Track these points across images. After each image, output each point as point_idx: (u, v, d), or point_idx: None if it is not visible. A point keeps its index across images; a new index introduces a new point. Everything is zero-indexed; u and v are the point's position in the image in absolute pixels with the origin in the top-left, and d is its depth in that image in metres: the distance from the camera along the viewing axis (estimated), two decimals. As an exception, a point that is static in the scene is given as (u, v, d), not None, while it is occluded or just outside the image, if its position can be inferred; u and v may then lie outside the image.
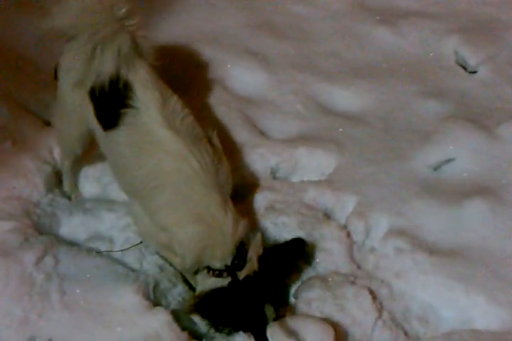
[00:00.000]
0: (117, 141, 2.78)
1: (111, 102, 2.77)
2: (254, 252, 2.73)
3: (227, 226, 2.68)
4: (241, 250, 2.71)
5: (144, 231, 2.91)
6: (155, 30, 4.19)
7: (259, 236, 2.79)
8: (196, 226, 2.67)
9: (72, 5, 2.74)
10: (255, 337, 2.64)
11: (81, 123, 2.98)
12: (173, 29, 4.35)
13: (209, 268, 2.71)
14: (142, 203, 2.82)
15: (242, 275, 2.69)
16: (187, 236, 2.68)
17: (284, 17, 4.65)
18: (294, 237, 3.01)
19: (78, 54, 2.73)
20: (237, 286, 2.67)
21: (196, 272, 2.78)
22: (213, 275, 2.71)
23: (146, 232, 2.88)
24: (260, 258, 2.73)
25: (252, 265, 2.71)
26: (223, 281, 2.69)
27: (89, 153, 3.25)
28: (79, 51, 2.73)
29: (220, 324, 2.72)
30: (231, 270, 2.69)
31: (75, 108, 2.94)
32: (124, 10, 2.74)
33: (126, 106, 2.72)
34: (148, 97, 2.74)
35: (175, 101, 2.81)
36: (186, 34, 4.35)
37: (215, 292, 2.69)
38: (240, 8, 4.70)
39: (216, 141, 2.96)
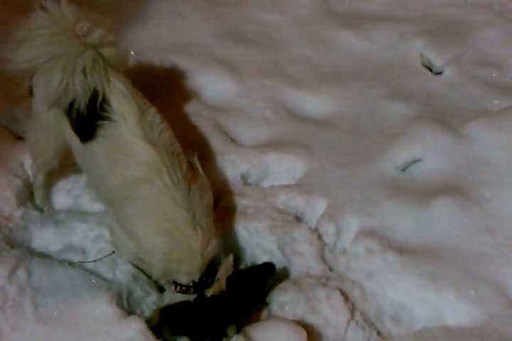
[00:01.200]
0: (94, 152, 2.78)
1: (87, 115, 2.74)
2: (224, 273, 2.72)
3: (195, 243, 2.66)
4: (211, 269, 2.70)
5: (116, 240, 2.91)
6: (124, 40, 4.19)
7: (231, 257, 2.78)
8: (162, 239, 2.67)
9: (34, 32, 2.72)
10: None
11: (57, 137, 2.99)
12: (141, 39, 4.37)
13: (176, 283, 2.71)
14: (115, 212, 2.83)
15: (208, 293, 2.68)
16: (153, 248, 2.69)
17: (252, 25, 4.71)
18: (265, 261, 3.01)
19: (51, 76, 2.71)
20: (203, 304, 2.66)
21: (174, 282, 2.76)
22: (180, 290, 2.70)
23: (119, 241, 2.89)
24: (229, 280, 2.71)
25: (220, 285, 2.70)
26: (189, 297, 2.68)
27: (61, 166, 3.24)
28: (51, 73, 2.71)
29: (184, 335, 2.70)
30: (198, 287, 2.68)
31: (51, 123, 2.94)
32: (86, 27, 2.72)
33: (103, 118, 2.71)
34: (125, 109, 2.73)
35: (153, 114, 2.80)
36: (155, 44, 4.38)
37: (179, 306, 2.67)
38: (208, 17, 4.74)
39: (197, 164, 2.92)
